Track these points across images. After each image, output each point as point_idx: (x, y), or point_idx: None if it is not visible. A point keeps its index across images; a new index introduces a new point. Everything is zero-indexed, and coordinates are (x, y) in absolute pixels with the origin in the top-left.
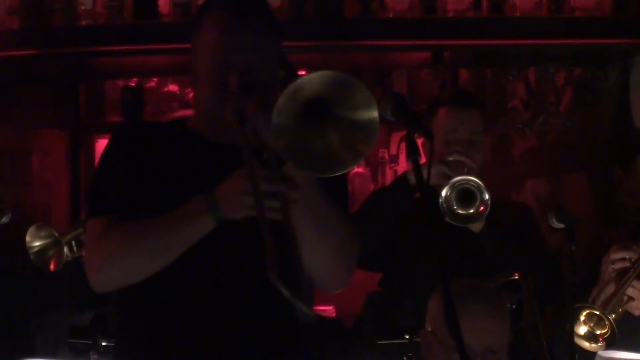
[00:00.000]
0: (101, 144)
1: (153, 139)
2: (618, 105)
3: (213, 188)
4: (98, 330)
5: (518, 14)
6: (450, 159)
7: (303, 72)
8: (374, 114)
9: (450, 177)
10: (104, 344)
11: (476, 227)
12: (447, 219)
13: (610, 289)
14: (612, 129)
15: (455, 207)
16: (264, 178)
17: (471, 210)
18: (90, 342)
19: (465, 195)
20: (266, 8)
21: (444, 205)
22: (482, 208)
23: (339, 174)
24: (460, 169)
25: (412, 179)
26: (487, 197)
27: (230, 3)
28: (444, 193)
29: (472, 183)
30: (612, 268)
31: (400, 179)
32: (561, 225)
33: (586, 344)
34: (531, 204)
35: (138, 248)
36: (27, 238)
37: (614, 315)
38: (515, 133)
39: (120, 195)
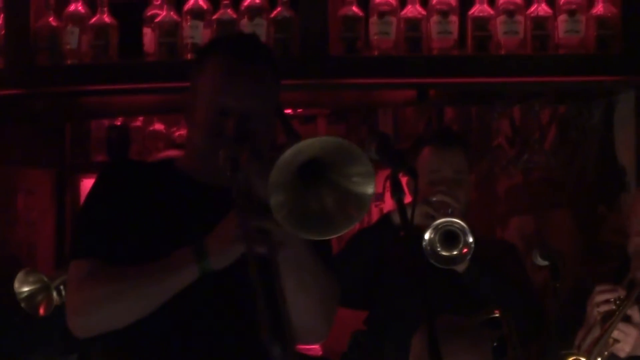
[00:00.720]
0: (86, 183)
1: (141, 179)
2: (602, 142)
3: (201, 240)
4: None
5: (503, 52)
6: (434, 199)
7: (288, 111)
8: (370, 189)
9: (434, 217)
10: None
11: (460, 266)
12: (431, 261)
13: (596, 332)
14: (597, 166)
15: (439, 249)
16: (255, 219)
17: (455, 252)
18: None
19: (449, 237)
20: (271, 56)
21: (428, 248)
22: (465, 250)
23: (331, 237)
24: (444, 209)
25: (395, 218)
26: (470, 239)
27: (236, 48)
28: (427, 235)
29: (455, 225)
30: (597, 311)
31: (384, 219)
32: (545, 263)
33: None
34: (516, 241)
35: (120, 296)
36: (16, 284)
37: (599, 359)
38: (500, 170)
39: (105, 238)
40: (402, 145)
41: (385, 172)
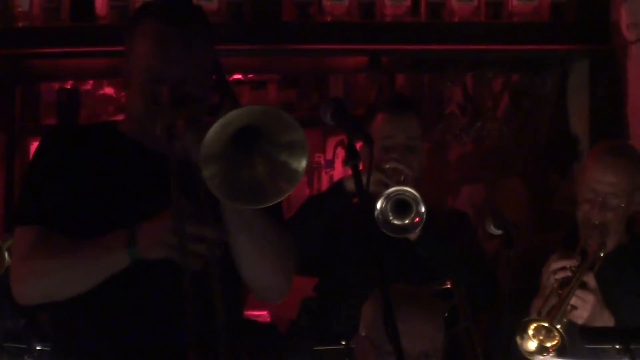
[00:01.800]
0: (36, 146)
1: (84, 143)
2: (555, 111)
3: (134, 228)
4: (32, 334)
5: (456, 19)
6: (387, 166)
7: (239, 76)
8: (302, 163)
9: (387, 185)
10: (38, 347)
11: (412, 235)
12: (383, 230)
13: (554, 299)
14: (549, 135)
15: (390, 218)
16: (191, 219)
17: (406, 221)
18: (24, 346)
19: (401, 205)
20: (202, 18)
21: (380, 217)
22: (417, 219)
23: (261, 206)
24: (397, 176)
25: (348, 185)
26: (422, 209)
27: (165, 13)
28: (379, 205)
29: (407, 194)
30: (554, 278)
31: (337, 185)
32: (499, 232)
33: (540, 358)
34: (467, 210)
35: (59, 271)
36: None
37: (559, 326)
38: (452, 138)
39: (49, 205)
40: (353, 112)
41: (336, 139)
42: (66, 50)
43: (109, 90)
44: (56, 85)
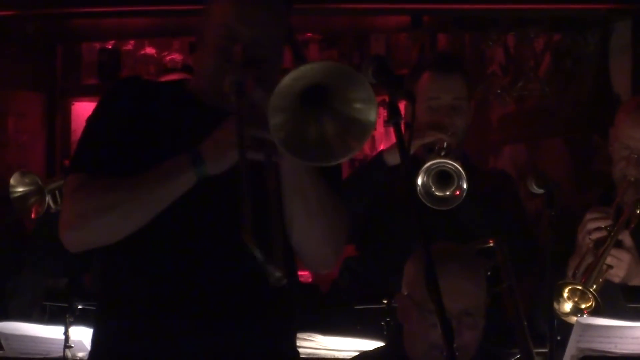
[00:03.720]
0: (77, 106)
1: (148, 97)
2: (597, 71)
3: (197, 146)
4: (74, 293)
5: None
6: (427, 141)
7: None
8: (372, 116)
9: (431, 150)
10: (80, 306)
11: (452, 206)
12: (423, 201)
13: (590, 259)
14: (591, 95)
15: (432, 189)
16: (251, 126)
17: (447, 193)
18: (66, 305)
19: (443, 177)
20: None
21: (421, 190)
22: (457, 192)
23: (327, 165)
24: (439, 144)
25: (388, 159)
26: (464, 185)
27: None
28: (420, 180)
29: (450, 166)
30: (589, 238)
31: (376, 160)
32: (541, 191)
33: (574, 319)
34: (509, 170)
35: (115, 206)
36: (12, 182)
37: (595, 286)
38: (493, 98)
39: (104, 153)
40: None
41: (379, 99)
42: (107, 9)
43: (150, 50)
44: (97, 45)
